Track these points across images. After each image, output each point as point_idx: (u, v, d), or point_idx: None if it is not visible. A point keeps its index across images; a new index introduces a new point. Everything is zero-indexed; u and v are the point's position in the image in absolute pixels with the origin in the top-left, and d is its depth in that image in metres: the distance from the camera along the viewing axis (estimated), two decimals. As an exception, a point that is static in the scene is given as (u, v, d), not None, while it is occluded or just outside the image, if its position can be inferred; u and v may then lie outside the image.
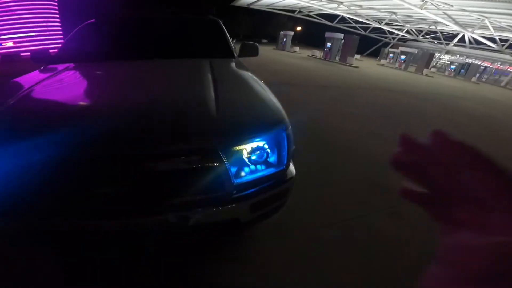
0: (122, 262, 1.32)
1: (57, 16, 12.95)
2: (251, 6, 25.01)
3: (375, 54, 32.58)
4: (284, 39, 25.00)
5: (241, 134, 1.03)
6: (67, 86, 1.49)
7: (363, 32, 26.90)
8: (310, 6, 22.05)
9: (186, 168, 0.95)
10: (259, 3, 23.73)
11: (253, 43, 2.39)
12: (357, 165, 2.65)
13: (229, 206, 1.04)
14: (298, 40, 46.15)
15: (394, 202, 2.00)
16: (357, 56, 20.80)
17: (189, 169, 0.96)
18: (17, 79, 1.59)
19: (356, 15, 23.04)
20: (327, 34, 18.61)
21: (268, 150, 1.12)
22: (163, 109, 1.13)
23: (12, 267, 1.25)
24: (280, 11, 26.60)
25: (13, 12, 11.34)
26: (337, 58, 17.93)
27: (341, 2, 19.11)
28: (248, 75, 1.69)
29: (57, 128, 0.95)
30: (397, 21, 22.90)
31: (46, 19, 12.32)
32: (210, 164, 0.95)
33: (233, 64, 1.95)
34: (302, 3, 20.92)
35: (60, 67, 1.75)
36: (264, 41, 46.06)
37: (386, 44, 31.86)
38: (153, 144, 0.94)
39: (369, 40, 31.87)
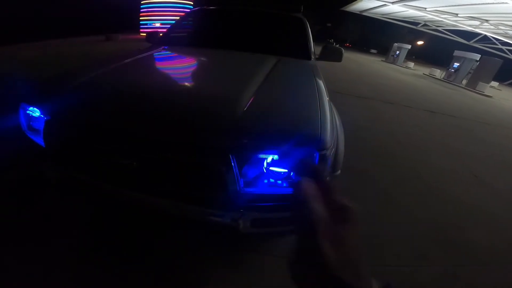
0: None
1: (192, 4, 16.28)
2: (364, 14, 22.93)
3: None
4: (398, 52, 22.16)
5: (260, 141, 0.91)
6: (142, 64, 1.67)
7: (510, 56, 20.51)
8: (441, 21, 18.30)
9: (190, 162, 0.91)
10: (373, 11, 21.27)
11: (338, 47, 2.16)
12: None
13: (229, 212, 0.95)
14: (416, 55, 39.88)
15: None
16: (494, 83, 16.09)
17: (193, 163, 0.91)
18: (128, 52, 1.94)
19: (506, 36, 17.75)
20: (457, 53, 15.36)
21: (292, 167, 0.95)
22: (191, 101, 1.11)
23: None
24: (398, 21, 23.31)
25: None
26: (464, 82, 14.47)
27: (486, 20, 14.80)
28: (311, 81, 1.51)
29: (105, 102, 1.09)
30: None
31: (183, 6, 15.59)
32: (216, 165, 0.88)
33: (304, 67, 1.81)
34: (430, 16, 17.46)
35: (155, 47, 2.05)
36: (373, 51, 42.23)
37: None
38: (159, 131, 0.93)
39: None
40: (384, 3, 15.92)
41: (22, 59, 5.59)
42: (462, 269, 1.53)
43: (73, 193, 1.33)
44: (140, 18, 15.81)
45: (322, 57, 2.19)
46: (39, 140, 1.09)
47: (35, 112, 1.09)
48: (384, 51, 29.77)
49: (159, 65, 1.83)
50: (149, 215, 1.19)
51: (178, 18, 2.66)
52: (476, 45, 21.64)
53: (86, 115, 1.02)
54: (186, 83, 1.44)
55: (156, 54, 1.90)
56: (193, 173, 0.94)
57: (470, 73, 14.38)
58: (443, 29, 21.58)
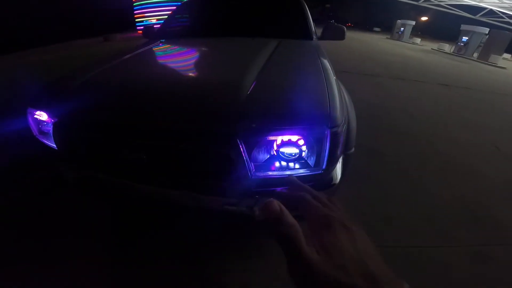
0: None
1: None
2: None
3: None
4: (402, 28, 21.38)
5: (267, 123, 0.87)
6: (141, 59, 1.64)
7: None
8: None
9: (199, 150, 0.89)
10: None
11: (340, 25, 2.08)
12: None
13: (243, 199, 0.93)
14: (422, 31, 38.35)
15: None
16: (506, 55, 15.51)
17: (202, 151, 0.89)
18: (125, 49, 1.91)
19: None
20: (464, 27, 15.13)
21: (304, 148, 0.92)
22: (194, 89, 1.09)
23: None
24: None
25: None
26: (475, 55, 14.00)
27: (491, -6, 14.08)
28: (315, 60, 1.45)
29: (113, 96, 1.08)
30: None
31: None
32: (224, 151, 0.85)
33: (306, 47, 1.75)
34: None
35: (152, 42, 2.01)
36: (377, 29, 40.83)
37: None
38: (164, 122, 0.91)
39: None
40: (383, -21, 15.39)
41: (22, 66, 5.65)
42: (488, 249, 1.48)
43: (90, 191, 1.34)
44: (136, 19, 15.66)
45: (324, 36, 2.11)
46: (51, 142, 1.09)
47: (42, 115, 1.09)
48: (387, 29, 28.68)
49: (158, 57, 1.80)
50: (165, 208, 1.19)
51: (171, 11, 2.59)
52: (483, 19, 20.72)
53: (91, 113, 1.00)
54: (188, 73, 1.41)
55: (154, 47, 1.87)
56: (203, 161, 0.92)
57: (480, 46, 14.02)
58: (446, 4, 20.66)
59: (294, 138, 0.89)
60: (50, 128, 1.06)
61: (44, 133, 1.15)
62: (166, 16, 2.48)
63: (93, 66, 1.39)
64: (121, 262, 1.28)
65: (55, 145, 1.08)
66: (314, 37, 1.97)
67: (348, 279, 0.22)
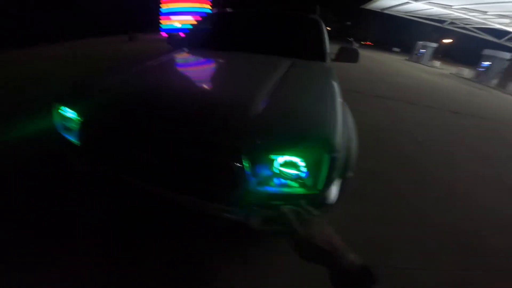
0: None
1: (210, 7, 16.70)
2: (386, 11, 21.96)
3: None
4: (422, 50, 21.12)
5: (271, 142, 0.94)
6: (164, 67, 1.75)
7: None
8: (468, 19, 17.20)
9: (205, 160, 0.96)
10: (396, 9, 20.23)
11: (354, 48, 2.16)
12: None
13: (240, 210, 0.99)
14: (443, 54, 37.87)
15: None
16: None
17: (208, 161, 0.96)
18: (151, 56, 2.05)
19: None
20: (486, 52, 14.35)
21: (303, 168, 0.98)
22: (208, 102, 1.17)
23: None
24: (422, 19, 22.03)
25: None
26: (494, 82, 13.60)
27: (519, 18, 13.67)
28: (324, 83, 1.53)
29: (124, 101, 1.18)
30: None
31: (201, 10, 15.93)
32: (229, 163, 0.92)
33: (318, 69, 1.83)
34: (457, 14, 16.40)
35: (176, 50, 2.15)
36: (396, 49, 40.60)
37: None
38: (177, 130, 0.99)
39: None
40: (406, 0, 15.22)
41: (52, 59, 5.99)
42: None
43: (101, 187, 1.44)
44: (160, 22, 16.28)
45: (338, 58, 2.19)
46: (72, 138, 1.20)
47: (68, 112, 1.20)
48: (407, 49, 28.50)
49: (180, 67, 1.95)
50: (167, 209, 1.27)
51: (196, 21, 2.74)
52: (508, 43, 20.21)
53: (112, 115, 1.11)
54: (204, 85, 1.52)
55: (177, 56, 2.03)
56: (207, 169, 0.99)
57: (501, 72, 13.45)
58: (472, 27, 20.28)
59: (294, 159, 0.95)
60: (73, 125, 1.17)
61: (67, 129, 1.25)
62: (188, 21, 2.64)
63: (118, 70, 1.51)
64: (117, 260, 1.33)
65: (76, 141, 1.18)
66: (328, 58, 2.04)
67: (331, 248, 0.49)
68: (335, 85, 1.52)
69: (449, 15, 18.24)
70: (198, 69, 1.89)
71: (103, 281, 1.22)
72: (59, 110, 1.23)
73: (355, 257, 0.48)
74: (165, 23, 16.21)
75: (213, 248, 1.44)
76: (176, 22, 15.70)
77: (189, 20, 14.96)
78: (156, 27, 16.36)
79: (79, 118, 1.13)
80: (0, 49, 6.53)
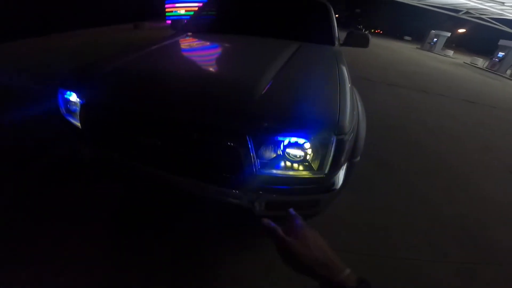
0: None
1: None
2: None
3: None
4: (435, 39, 20.43)
5: (277, 124, 0.91)
6: (167, 51, 1.72)
7: None
8: (485, 9, 16.40)
9: (209, 142, 0.94)
10: None
11: (364, 33, 2.07)
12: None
13: (243, 193, 0.98)
14: (456, 43, 36.45)
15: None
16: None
17: (212, 143, 0.94)
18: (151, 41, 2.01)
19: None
20: (502, 42, 14.42)
21: (309, 151, 0.95)
22: (213, 84, 1.14)
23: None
24: (437, 8, 21.08)
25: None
26: (508, 72, 13.24)
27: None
28: (332, 66, 1.47)
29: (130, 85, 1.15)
30: None
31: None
32: (233, 145, 0.90)
33: (326, 52, 1.76)
34: (472, 3, 15.65)
35: (180, 34, 2.10)
36: (407, 38, 39.30)
37: None
38: (182, 113, 0.97)
39: None
40: (421, -12, 14.70)
41: (59, 48, 6.00)
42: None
43: (104, 170, 1.44)
44: (166, 11, 16.00)
45: (347, 42, 2.11)
46: (76, 121, 1.19)
47: (72, 96, 1.19)
48: (419, 38, 27.53)
49: (183, 50, 1.88)
50: (172, 193, 1.26)
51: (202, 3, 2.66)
52: (524, 35, 19.30)
53: (117, 99, 1.09)
54: (209, 68, 1.48)
55: (181, 40, 1.96)
56: (212, 152, 0.97)
57: None
58: (488, 17, 19.40)
59: (300, 140, 0.93)
60: (77, 108, 1.16)
61: (71, 112, 1.25)
62: (194, 8, 2.56)
63: (122, 55, 1.48)
64: (120, 250, 1.33)
65: (79, 124, 1.17)
66: (336, 43, 1.97)
67: (324, 259, 0.45)
68: (344, 68, 1.47)
69: (465, 5, 17.52)
70: (203, 52, 1.83)
71: (106, 270, 1.23)
72: (65, 95, 1.22)
73: (350, 270, 0.44)
74: (170, 10, 15.96)
75: (219, 240, 1.43)
76: (182, 9, 15.44)
77: (194, 7, 14.70)
78: (162, 15, 16.12)
79: (83, 101, 1.12)
80: (17, 38, 6.47)
